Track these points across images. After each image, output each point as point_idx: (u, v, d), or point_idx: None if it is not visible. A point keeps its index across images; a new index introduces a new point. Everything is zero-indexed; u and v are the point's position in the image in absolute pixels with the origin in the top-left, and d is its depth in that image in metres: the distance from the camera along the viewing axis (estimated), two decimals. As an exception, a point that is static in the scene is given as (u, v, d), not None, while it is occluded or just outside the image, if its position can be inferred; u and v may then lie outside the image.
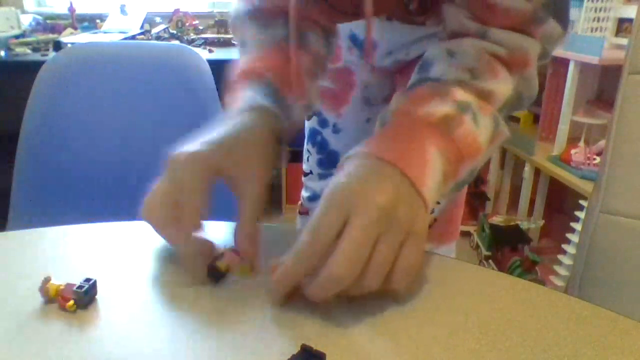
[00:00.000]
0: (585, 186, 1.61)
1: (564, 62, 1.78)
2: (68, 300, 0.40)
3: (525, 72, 0.51)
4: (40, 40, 2.10)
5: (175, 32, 2.33)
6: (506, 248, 1.89)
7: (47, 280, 0.42)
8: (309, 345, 0.35)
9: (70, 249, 0.51)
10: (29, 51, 1.97)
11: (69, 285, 0.41)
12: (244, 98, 0.55)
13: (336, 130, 0.89)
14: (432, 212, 0.76)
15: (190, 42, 2.21)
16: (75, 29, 2.31)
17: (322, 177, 0.92)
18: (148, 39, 2.23)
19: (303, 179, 0.97)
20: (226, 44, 2.21)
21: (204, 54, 1.93)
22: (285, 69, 0.59)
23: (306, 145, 0.94)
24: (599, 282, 0.63)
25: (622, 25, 1.73)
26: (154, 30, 2.31)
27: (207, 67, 1.01)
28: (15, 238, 0.53)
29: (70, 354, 0.36)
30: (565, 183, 1.71)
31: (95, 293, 0.43)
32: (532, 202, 2.05)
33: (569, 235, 1.65)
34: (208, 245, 0.46)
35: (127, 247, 0.52)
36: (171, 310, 0.42)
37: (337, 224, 0.39)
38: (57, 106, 0.97)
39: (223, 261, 0.45)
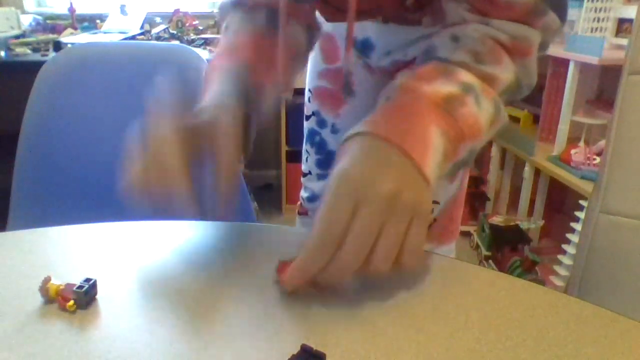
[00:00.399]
0: (585, 186, 1.61)
1: (564, 62, 1.78)
2: (68, 300, 0.40)
3: (526, 60, 0.52)
4: (40, 40, 2.10)
5: (175, 32, 2.33)
6: (506, 248, 1.89)
7: (47, 280, 0.42)
8: (309, 345, 0.35)
9: (70, 249, 0.51)
10: (29, 51, 1.97)
11: (69, 285, 0.41)
12: (217, 90, 0.56)
13: (335, 130, 0.89)
14: (432, 212, 0.76)
15: (190, 42, 2.21)
16: (75, 29, 2.31)
17: (321, 177, 0.92)
18: (148, 39, 2.23)
19: (302, 179, 0.97)
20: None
21: (204, 54, 1.93)
22: (261, 57, 0.60)
23: (305, 146, 0.94)
24: (599, 282, 0.63)
25: (622, 25, 1.73)
26: (154, 31, 2.31)
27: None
28: (15, 238, 0.53)
29: (70, 354, 0.36)
30: (565, 183, 1.71)
31: (95, 293, 0.43)
32: (532, 202, 2.05)
33: (569, 235, 1.65)
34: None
35: (127, 247, 0.52)
36: (171, 310, 0.42)
37: (347, 216, 0.39)
38: (57, 106, 0.97)
39: None
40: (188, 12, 2.41)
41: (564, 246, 1.66)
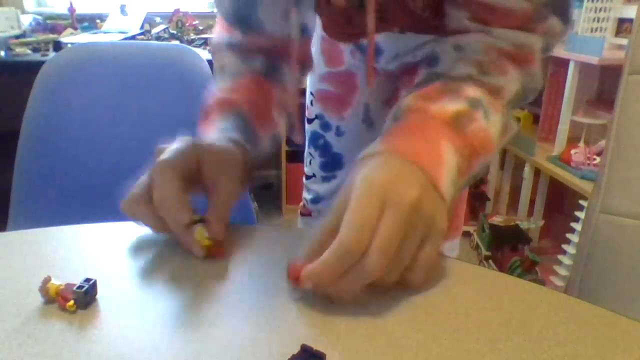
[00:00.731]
0: (585, 186, 1.61)
1: (564, 62, 1.78)
2: (68, 300, 0.40)
3: (530, 67, 0.52)
4: (40, 40, 2.10)
5: (175, 32, 2.33)
6: (506, 248, 1.89)
7: (47, 280, 0.42)
8: (309, 345, 0.35)
9: (70, 249, 0.51)
10: (29, 51, 1.97)
11: (69, 285, 0.41)
12: (218, 129, 0.57)
13: (339, 133, 0.89)
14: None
15: (190, 42, 2.21)
16: (75, 29, 2.31)
17: (326, 179, 0.92)
18: (148, 39, 2.23)
19: (305, 181, 0.97)
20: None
21: (204, 54, 1.92)
22: (259, 101, 0.62)
23: (308, 149, 0.94)
24: (599, 282, 0.63)
25: (622, 25, 1.73)
26: (154, 30, 2.31)
27: (207, 67, 1.01)
28: (15, 238, 0.53)
29: (70, 354, 0.36)
30: (565, 183, 1.71)
31: (96, 293, 0.43)
32: (532, 202, 2.05)
33: (569, 235, 1.65)
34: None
35: (127, 247, 0.52)
36: (171, 311, 0.42)
37: (374, 220, 0.39)
38: (57, 106, 0.97)
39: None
40: (188, 12, 2.41)
41: (564, 246, 1.66)
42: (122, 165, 0.96)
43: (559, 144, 1.83)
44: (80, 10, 2.41)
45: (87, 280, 0.42)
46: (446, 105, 0.47)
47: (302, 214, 0.99)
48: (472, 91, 0.48)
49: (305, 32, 0.65)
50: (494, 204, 2.27)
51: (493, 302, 0.43)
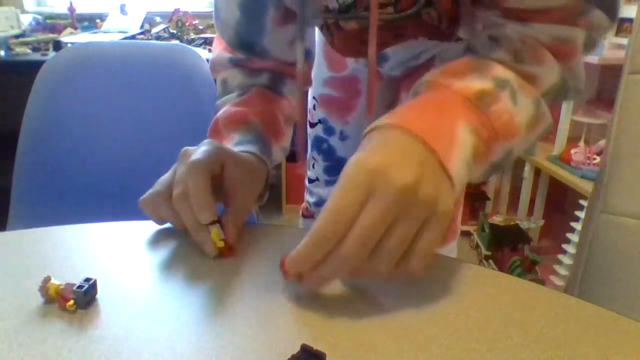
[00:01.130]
0: (585, 186, 1.61)
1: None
2: (68, 300, 0.40)
3: (571, 62, 0.49)
4: (40, 40, 2.10)
5: (175, 32, 2.33)
6: (506, 248, 1.89)
7: (47, 280, 0.42)
8: (309, 345, 0.35)
9: (70, 249, 0.51)
10: (29, 51, 1.97)
11: (69, 285, 0.41)
12: (234, 143, 0.58)
13: (343, 137, 0.89)
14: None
15: (190, 42, 2.21)
16: (75, 28, 2.31)
17: (330, 183, 0.92)
18: (148, 39, 2.23)
19: (307, 185, 0.97)
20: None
21: (204, 54, 1.92)
22: (268, 113, 0.62)
23: (311, 153, 0.94)
24: (599, 282, 0.63)
25: (622, 25, 1.73)
26: (154, 30, 2.31)
27: (207, 66, 1.01)
28: (15, 238, 0.53)
29: (70, 354, 0.36)
30: (565, 183, 1.71)
31: (96, 293, 0.43)
32: (532, 202, 2.05)
33: (569, 235, 1.65)
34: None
35: (127, 247, 0.52)
36: (171, 310, 0.42)
37: (356, 205, 0.37)
38: (57, 106, 0.97)
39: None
40: (188, 11, 2.41)
41: (564, 246, 1.66)
42: (122, 165, 0.96)
43: (559, 144, 1.83)
44: (80, 9, 2.41)
45: (87, 280, 0.42)
46: (470, 83, 0.44)
47: (304, 216, 0.99)
48: (502, 71, 0.45)
49: (308, 57, 0.66)
50: (494, 203, 2.27)
51: (493, 302, 0.43)
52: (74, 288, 0.41)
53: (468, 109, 0.43)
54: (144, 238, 0.54)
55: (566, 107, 1.78)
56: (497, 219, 1.98)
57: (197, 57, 1.02)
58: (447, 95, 0.44)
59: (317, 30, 0.74)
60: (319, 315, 0.41)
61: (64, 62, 1.00)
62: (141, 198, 0.52)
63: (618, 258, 0.62)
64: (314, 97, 0.90)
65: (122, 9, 2.38)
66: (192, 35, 2.30)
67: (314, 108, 0.90)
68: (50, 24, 2.32)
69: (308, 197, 0.98)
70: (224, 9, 0.62)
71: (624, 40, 1.70)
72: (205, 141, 0.53)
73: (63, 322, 0.40)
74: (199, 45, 2.15)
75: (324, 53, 0.85)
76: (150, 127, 0.97)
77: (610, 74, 1.85)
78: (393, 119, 0.42)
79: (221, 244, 0.49)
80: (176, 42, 2.18)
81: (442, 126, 0.42)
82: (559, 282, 1.64)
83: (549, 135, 1.95)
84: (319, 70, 0.87)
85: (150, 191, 0.52)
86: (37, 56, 1.91)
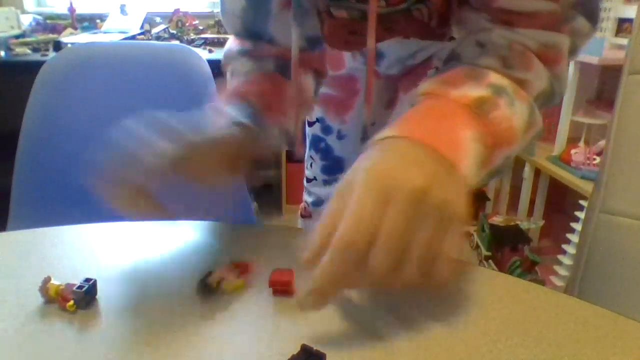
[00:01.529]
0: (585, 186, 1.61)
1: (564, 62, 1.78)
2: (68, 300, 0.40)
3: (557, 68, 0.50)
4: (40, 40, 2.10)
5: (175, 32, 2.33)
6: (506, 248, 1.89)
7: (47, 280, 0.42)
8: (309, 345, 0.35)
9: (70, 249, 0.51)
10: (29, 51, 1.97)
11: (69, 285, 0.41)
12: (225, 115, 0.55)
13: (341, 136, 0.89)
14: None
15: (190, 42, 2.21)
16: (75, 29, 2.31)
17: (327, 183, 0.92)
18: (148, 39, 2.23)
19: (306, 184, 0.97)
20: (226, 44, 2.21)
21: (204, 54, 1.93)
22: (269, 94, 0.60)
23: (309, 152, 0.94)
24: (599, 282, 0.63)
25: (622, 25, 1.73)
26: (154, 30, 2.31)
27: (207, 67, 1.01)
28: (15, 238, 0.53)
29: (70, 354, 0.36)
30: (565, 183, 1.71)
31: (95, 293, 0.43)
32: (532, 202, 2.05)
33: (569, 235, 1.65)
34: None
35: (127, 247, 0.52)
36: (171, 310, 0.42)
37: (377, 213, 0.36)
38: (57, 106, 0.97)
39: (214, 277, 0.44)
40: (188, 12, 2.41)
41: (564, 246, 1.66)
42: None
43: (559, 144, 1.83)
44: (80, 10, 2.41)
45: (87, 280, 0.42)
46: (467, 91, 0.44)
47: (302, 216, 0.99)
48: (496, 78, 0.45)
49: (317, 44, 0.65)
50: (494, 204, 2.27)
51: (493, 302, 0.43)
52: (74, 288, 0.41)
53: (469, 116, 0.43)
54: (144, 238, 0.54)
55: (566, 107, 1.78)
56: (497, 220, 1.97)
57: (197, 58, 1.02)
58: (445, 104, 0.44)
59: None
60: (319, 315, 0.41)
61: (64, 63, 1.00)
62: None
63: (618, 258, 0.62)
64: None
65: (122, 9, 2.38)
66: (192, 36, 2.30)
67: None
68: (50, 24, 2.32)
69: (306, 197, 0.98)
70: (228, 0, 0.62)
71: (624, 41, 1.70)
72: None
73: (63, 322, 0.40)
74: (199, 46, 2.15)
75: None
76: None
77: (610, 74, 1.85)
78: (394, 131, 0.42)
79: (238, 286, 0.45)
80: (176, 42, 2.18)
81: (445, 132, 0.42)
82: (559, 282, 1.64)
83: (549, 136, 1.95)
84: None
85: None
86: (37, 56, 1.91)
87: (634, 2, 1.72)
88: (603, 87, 1.93)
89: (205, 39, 2.23)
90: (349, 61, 0.83)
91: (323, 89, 0.88)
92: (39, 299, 0.42)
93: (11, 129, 1.00)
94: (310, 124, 0.91)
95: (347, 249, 0.36)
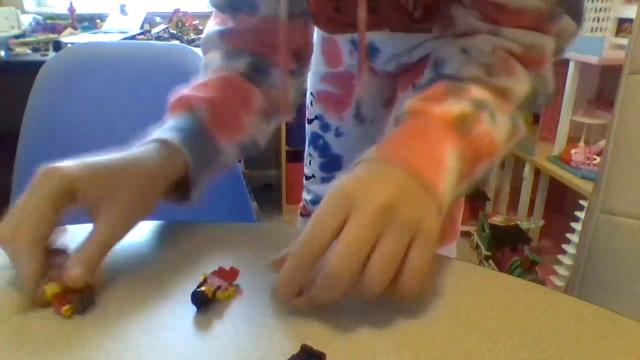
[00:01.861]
0: (585, 186, 1.61)
1: (564, 62, 1.78)
2: (64, 304, 0.40)
3: (541, 69, 0.50)
4: (40, 40, 2.10)
5: (175, 32, 2.33)
6: (506, 248, 1.89)
7: (45, 282, 0.41)
8: (309, 345, 0.35)
9: (69, 249, 0.51)
10: (29, 51, 1.97)
11: (66, 290, 0.41)
12: (161, 129, 0.53)
13: (338, 133, 0.89)
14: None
15: (190, 42, 2.21)
16: (75, 29, 2.32)
17: (325, 180, 0.92)
18: (148, 39, 2.23)
19: (305, 182, 0.97)
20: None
21: (204, 54, 1.92)
22: (223, 104, 0.57)
23: (307, 149, 0.94)
24: (599, 282, 0.63)
25: (622, 25, 1.73)
26: (154, 30, 2.31)
27: (207, 67, 1.01)
28: (15, 238, 0.53)
29: (70, 355, 0.36)
30: (565, 183, 1.71)
31: (93, 299, 0.42)
32: (532, 202, 2.05)
33: (569, 235, 1.65)
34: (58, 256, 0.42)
35: (127, 247, 0.52)
36: (171, 311, 0.42)
37: (335, 223, 0.37)
38: (57, 106, 0.97)
39: (208, 286, 0.42)
40: (188, 12, 2.41)
41: (564, 246, 1.66)
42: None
43: (559, 144, 1.83)
44: (80, 10, 2.41)
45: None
46: (450, 107, 0.45)
47: (302, 215, 1.00)
48: (478, 92, 0.47)
49: (300, 17, 0.62)
50: (494, 204, 2.27)
51: (493, 302, 0.43)
52: (71, 294, 0.40)
53: (451, 132, 0.44)
54: (144, 238, 0.54)
55: (566, 107, 1.78)
56: (497, 219, 1.98)
57: (197, 58, 1.02)
58: (429, 122, 0.45)
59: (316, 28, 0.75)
60: (319, 315, 0.41)
61: (64, 63, 1.00)
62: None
63: (618, 258, 0.62)
64: (311, 93, 0.90)
65: (122, 9, 2.38)
66: (192, 36, 2.30)
67: (311, 104, 0.91)
68: (50, 24, 2.32)
69: (305, 195, 0.98)
70: None
71: (624, 41, 1.70)
72: (44, 172, 0.45)
73: (63, 323, 0.40)
74: (199, 46, 2.15)
75: (322, 49, 0.86)
76: (150, 128, 0.97)
77: (610, 74, 1.85)
78: (377, 153, 0.43)
79: (231, 294, 0.43)
80: (176, 42, 2.18)
81: (428, 152, 0.43)
82: (559, 282, 1.64)
83: (549, 136, 1.95)
84: (316, 66, 0.87)
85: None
86: (37, 56, 1.91)
87: (634, 2, 1.72)
88: (603, 87, 1.93)
89: (205, 38, 2.23)
90: (346, 58, 0.84)
91: (322, 86, 0.88)
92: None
93: (11, 129, 1.00)
94: (310, 121, 0.92)
95: (303, 253, 0.37)
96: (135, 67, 1.00)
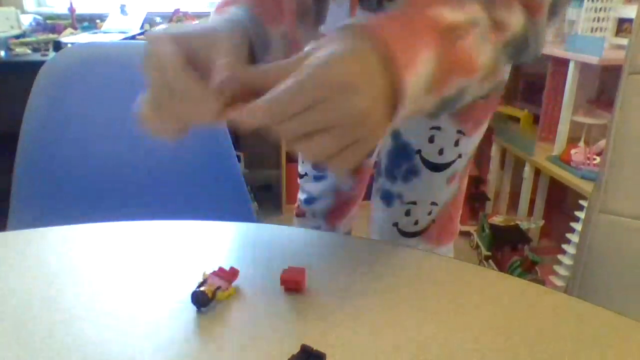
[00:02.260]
0: (585, 186, 1.61)
1: (564, 62, 1.78)
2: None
3: (536, 16, 0.50)
4: (40, 40, 2.10)
5: (175, 32, 2.32)
6: (506, 248, 1.89)
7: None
8: (309, 345, 0.35)
9: (70, 249, 0.51)
10: (29, 51, 1.97)
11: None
12: (215, 21, 0.52)
13: None
14: (430, 213, 0.76)
15: (190, 42, 2.21)
16: (75, 29, 2.31)
17: (317, 178, 0.92)
18: (148, 39, 2.22)
19: (299, 180, 0.97)
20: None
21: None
22: (267, 1, 0.56)
23: None
24: (599, 282, 0.63)
25: (622, 25, 1.73)
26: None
27: (207, 67, 1.01)
28: (15, 238, 0.53)
29: (70, 355, 0.36)
30: (565, 183, 1.71)
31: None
32: (532, 202, 2.05)
33: (569, 235, 1.65)
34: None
35: (127, 247, 0.52)
36: (170, 310, 0.42)
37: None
38: (57, 106, 0.97)
39: (208, 286, 0.43)
40: (188, 12, 2.41)
41: (564, 246, 1.66)
42: (122, 165, 0.96)
43: (559, 144, 1.83)
44: (80, 10, 2.41)
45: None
46: (446, 13, 0.44)
47: (297, 215, 0.99)
48: (476, 10, 0.46)
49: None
50: (494, 204, 2.27)
51: (493, 302, 0.43)
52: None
53: (435, 35, 0.43)
54: (144, 238, 0.54)
55: (566, 107, 1.78)
56: (497, 219, 1.98)
57: (197, 58, 1.01)
58: (421, 17, 0.44)
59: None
60: (319, 315, 0.41)
61: (64, 63, 1.00)
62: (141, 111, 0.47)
63: (618, 258, 0.62)
64: None
65: (122, 10, 2.38)
66: (192, 36, 2.30)
67: None
68: (50, 24, 2.32)
69: (299, 195, 0.98)
70: None
71: (624, 41, 1.70)
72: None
73: (63, 323, 0.40)
74: (199, 46, 2.14)
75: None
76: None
77: (610, 74, 1.85)
78: (368, 22, 0.42)
79: (231, 293, 0.45)
80: (176, 42, 2.17)
81: (409, 41, 0.42)
82: (559, 282, 1.64)
83: (549, 136, 1.95)
84: None
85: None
86: (37, 56, 1.91)
87: (634, 2, 1.72)
88: (603, 87, 1.93)
89: (205, 39, 2.23)
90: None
91: None
92: (38, 299, 0.42)
93: (11, 129, 1.00)
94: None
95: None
96: (135, 67, 1.00)
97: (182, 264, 0.49)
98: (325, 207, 0.93)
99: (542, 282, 1.55)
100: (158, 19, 2.45)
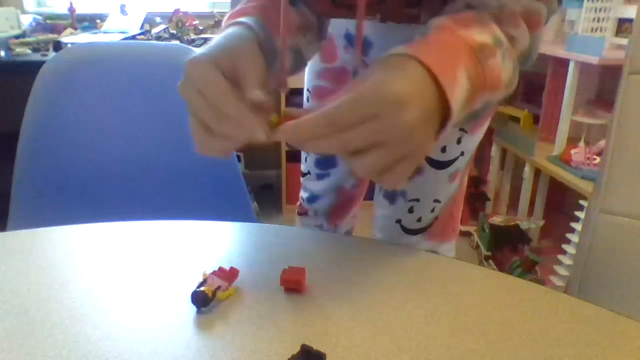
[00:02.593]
0: (585, 186, 1.61)
1: (564, 62, 1.78)
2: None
3: (536, 33, 0.53)
4: (40, 40, 2.10)
5: (175, 32, 2.33)
6: (506, 248, 1.89)
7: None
8: (309, 345, 0.35)
9: (70, 249, 0.51)
10: (29, 51, 1.97)
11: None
12: (234, 26, 0.54)
13: None
14: (433, 210, 0.76)
15: (190, 42, 2.21)
16: (75, 29, 2.31)
17: (320, 177, 0.92)
18: (148, 39, 2.23)
19: (302, 179, 0.97)
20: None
21: (204, 54, 1.92)
22: (275, 13, 0.58)
23: None
24: (599, 282, 0.63)
25: (622, 25, 1.73)
26: (154, 30, 2.31)
27: (207, 67, 1.01)
28: (15, 238, 0.53)
29: (70, 354, 0.36)
30: (565, 183, 1.71)
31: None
32: (532, 202, 2.05)
33: (569, 235, 1.65)
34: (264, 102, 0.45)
35: (127, 247, 0.52)
36: (171, 310, 0.42)
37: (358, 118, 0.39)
38: (57, 106, 0.97)
39: (208, 286, 0.43)
40: (188, 12, 2.41)
41: (564, 246, 1.66)
42: (122, 165, 0.96)
43: (559, 144, 1.83)
44: (80, 10, 2.41)
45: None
46: (474, 34, 0.48)
47: (299, 214, 1.00)
48: (497, 30, 0.49)
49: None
50: (494, 204, 2.27)
51: (493, 302, 0.43)
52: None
53: (469, 56, 0.46)
54: (144, 238, 0.54)
55: (566, 107, 1.78)
56: (497, 219, 1.98)
57: (197, 58, 1.01)
58: (455, 40, 0.47)
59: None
60: (319, 315, 0.41)
61: (64, 63, 1.00)
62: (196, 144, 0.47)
63: (618, 258, 0.62)
64: (307, 89, 0.90)
65: (122, 10, 2.38)
66: (193, 36, 2.30)
67: (307, 100, 0.91)
68: (50, 24, 2.32)
69: (302, 193, 0.98)
70: None
71: (624, 41, 1.70)
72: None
73: (63, 322, 0.40)
74: (199, 46, 2.15)
75: None
76: (149, 128, 0.97)
77: (610, 74, 1.85)
78: (406, 50, 0.45)
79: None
80: (176, 42, 2.17)
81: (449, 64, 0.45)
82: (559, 282, 1.64)
83: (549, 136, 1.95)
84: (312, 61, 0.87)
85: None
86: (37, 56, 1.91)
87: (634, 2, 1.72)
88: (603, 87, 1.93)
89: (205, 39, 2.23)
90: (341, 53, 0.84)
91: (318, 82, 0.88)
92: (38, 299, 0.42)
93: (11, 129, 1.00)
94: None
95: (322, 121, 0.41)
96: (135, 67, 1.00)
97: (182, 264, 0.49)
98: (327, 205, 0.93)
99: (542, 282, 1.55)
100: (158, 19, 2.44)
